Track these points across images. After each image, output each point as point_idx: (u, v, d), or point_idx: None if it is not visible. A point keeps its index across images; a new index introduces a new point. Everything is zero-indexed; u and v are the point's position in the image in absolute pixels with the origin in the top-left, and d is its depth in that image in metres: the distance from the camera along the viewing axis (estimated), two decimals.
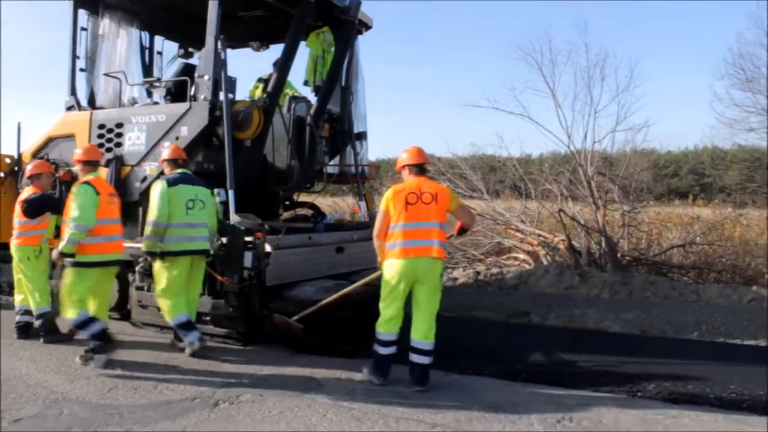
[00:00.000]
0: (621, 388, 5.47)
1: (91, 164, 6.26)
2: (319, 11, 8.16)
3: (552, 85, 13.65)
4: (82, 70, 8.55)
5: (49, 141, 8.49)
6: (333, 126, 9.13)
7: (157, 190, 6.38)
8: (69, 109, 8.52)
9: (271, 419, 4.63)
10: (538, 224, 14.03)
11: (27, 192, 6.82)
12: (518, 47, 25.05)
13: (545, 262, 12.37)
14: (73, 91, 8.52)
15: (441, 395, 5.20)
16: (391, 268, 5.40)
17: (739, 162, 18.40)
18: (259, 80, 9.13)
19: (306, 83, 8.94)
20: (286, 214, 9.35)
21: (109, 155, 7.73)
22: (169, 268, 6.32)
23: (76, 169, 6.32)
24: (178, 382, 5.43)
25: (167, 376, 5.63)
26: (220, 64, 7.17)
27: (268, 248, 6.57)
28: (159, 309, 6.53)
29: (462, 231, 5.96)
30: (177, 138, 7.27)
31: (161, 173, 6.91)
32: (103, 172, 7.62)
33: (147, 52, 9.73)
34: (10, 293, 7.96)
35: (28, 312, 6.87)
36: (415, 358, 5.38)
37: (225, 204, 6.87)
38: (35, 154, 8.49)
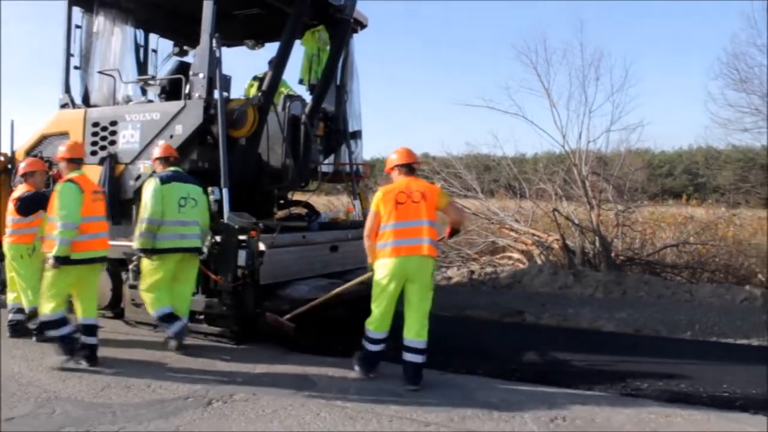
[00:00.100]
0: (614, 387, 5.49)
1: (75, 162, 6.21)
2: (314, 10, 8.15)
3: (547, 84, 13.68)
4: (76, 67, 8.52)
5: (43, 139, 8.45)
6: (328, 125, 9.13)
7: (150, 187, 6.39)
8: (63, 106, 8.48)
9: (265, 418, 4.62)
10: (532, 224, 14.04)
11: (20, 190, 6.80)
12: (513, 46, 25.12)
13: (539, 262, 12.38)
14: (67, 89, 8.48)
15: (434, 394, 5.20)
16: (382, 268, 5.44)
17: (733, 162, 18.45)
18: (254, 78, 9.12)
19: (301, 82, 8.94)
20: (280, 213, 9.34)
21: (103, 153, 7.71)
22: (158, 264, 6.35)
23: (60, 166, 6.27)
24: (171, 381, 5.42)
25: (160, 374, 5.62)
26: (215, 62, 7.15)
27: (262, 247, 6.58)
28: (140, 304, 6.55)
29: (453, 233, 6.03)
30: (171, 136, 7.25)
31: (155, 171, 6.90)
32: (98, 170, 7.63)
33: (142, 49, 9.71)
34: (3, 291, 7.93)
35: (20, 310, 6.84)
36: (408, 357, 5.40)
37: (219, 202, 6.87)
38: (29, 152, 8.44)
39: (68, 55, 8.47)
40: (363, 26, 9.39)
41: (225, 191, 6.84)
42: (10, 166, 8.65)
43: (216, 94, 7.13)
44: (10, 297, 6.96)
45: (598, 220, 12.37)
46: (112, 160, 7.64)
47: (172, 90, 7.85)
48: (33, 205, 6.68)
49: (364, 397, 5.09)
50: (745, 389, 5.50)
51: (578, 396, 5.24)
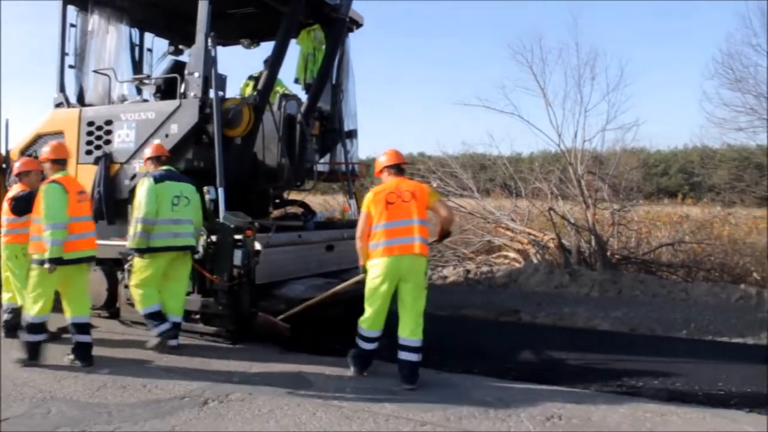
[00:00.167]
0: (610, 386, 5.50)
1: (59, 162, 6.21)
2: (310, 9, 8.16)
3: (542, 83, 13.68)
4: (71, 66, 8.51)
5: (38, 138, 8.42)
6: (323, 124, 9.12)
7: (144, 187, 6.41)
8: (58, 106, 8.46)
9: (261, 418, 4.62)
10: (528, 223, 14.05)
11: (15, 189, 6.77)
12: (509, 46, 25.15)
13: (535, 261, 12.39)
14: (62, 88, 8.47)
15: (430, 393, 5.20)
16: (375, 268, 5.49)
17: (728, 161, 18.50)
18: (250, 78, 9.10)
19: (296, 81, 8.94)
20: (276, 212, 9.33)
21: (99, 153, 7.70)
22: (150, 262, 6.37)
23: (45, 167, 6.26)
24: (167, 381, 5.41)
25: (156, 374, 5.61)
26: (210, 61, 7.14)
27: (257, 246, 6.57)
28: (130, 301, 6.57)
29: (444, 235, 6.08)
30: (167, 135, 7.24)
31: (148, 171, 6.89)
32: (93, 170, 7.62)
33: (137, 49, 9.70)
34: None
35: (15, 311, 6.82)
36: (403, 355, 5.42)
37: (215, 202, 6.86)
38: (23, 152, 8.42)
39: (63, 54, 8.46)
40: (359, 25, 9.39)
41: (220, 190, 6.84)
42: (4, 165, 8.62)
43: (211, 94, 7.11)
44: (5, 297, 6.94)
45: (593, 219, 12.38)
46: (107, 160, 7.62)
47: (167, 89, 7.84)
48: (28, 204, 6.64)
49: (361, 397, 5.08)
50: (741, 387, 5.51)
51: (574, 395, 5.24)
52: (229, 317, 6.66)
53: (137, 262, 6.42)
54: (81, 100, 8.41)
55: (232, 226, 6.54)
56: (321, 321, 6.92)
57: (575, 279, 10.85)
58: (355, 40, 9.50)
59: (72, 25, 8.48)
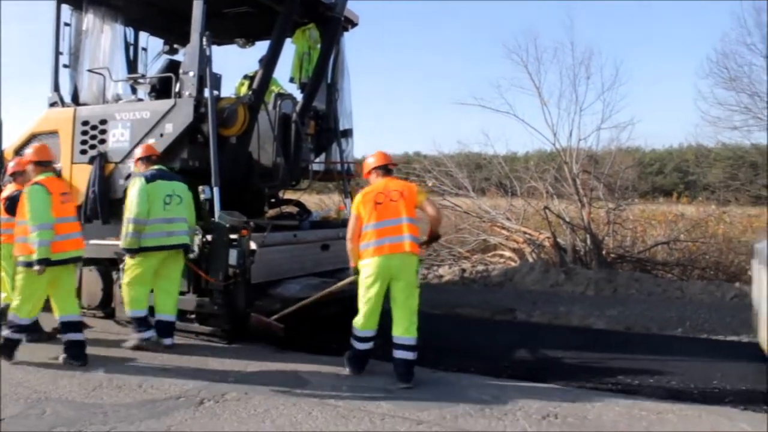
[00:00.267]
0: (606, 384, 5.51)
1: (42, 164, 6.19)
2: (305, 8, 8.14)
3: (538, 82, 13.71)
4: (65, 66, 8.47)
5: (32, 137, 8.39)
6: (319, 123, 9.11)
7: (136, 187, 6.42)
8: (52, 105, 8.44)
9: (257, 417, 4.61)
10: (523, 222, 14.06)
11: (9, 189, 6.75)
12: (504, 45, 25.16)
13: (530, 260, 12.40)
14: (56, 88, 8.44)
15: (426, 392, 5.20)
16: (366, 267, 5.52)
17: (723, 160, 18.54)
18: (245, 77, 9.10)
19: (292, 80, 8.92)
20: (271, 212, 9.31)
21: (93, 152, 7.68)
22: (142, 262, 6.39)
23: (28, 169, 6.24)
24: (162, 381, 5.40)
25: (152, 374, 5.60)
26: (205, 60, 7.13)
27: (253, 246, 6.57)
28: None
29: (432, 238, 6.12)
30: (162, 135, 7.23)
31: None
32: (88, 169, 7.60)
33: (131, 48, 9.68)
34: None
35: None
36: (398, 354, 5.44)
37: (210, 201, 6.85)
38: (18, 151, 8.39)
39: (57, 53, 8.42)
40: (354, 24, 9.38)
41: (216, 190, 6.83)
42: None
43: (206, 93, 7.11)
44: (1, 297, 6.91)
45: (589, 218, 12.40)
46: (102, 159, 7.60)
47: (162, 88, 7.82)
48: None
49: (357, 396, 5.08)
50: (736, 385, 5.53)
51: (570, 393, 5.25)
52: (225, 317, 6.66)
53: (128, 261, 6.45)
54: (75, 100, 8.39)
55: (227, 225, 6.54)
56: (316, 320, 6.92)
57: (570, 278, 10.87)
58: (350, 39, 9.49)
59: (66, 24, 8.45)
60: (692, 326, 8.04)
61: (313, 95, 8.64)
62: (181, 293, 6.79)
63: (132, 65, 9.59)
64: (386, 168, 5.88)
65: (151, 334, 6.46)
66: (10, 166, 6.90)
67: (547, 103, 13.47)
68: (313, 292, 6.49)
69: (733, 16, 30.32)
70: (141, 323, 6.46)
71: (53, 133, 8.12)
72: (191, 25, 7.20)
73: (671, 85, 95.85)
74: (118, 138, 7.59)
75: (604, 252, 12.14)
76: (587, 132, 13.44)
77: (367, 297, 5.54)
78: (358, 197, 5.77)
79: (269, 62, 7.75)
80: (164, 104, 7.35)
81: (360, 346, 5.64)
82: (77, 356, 5.89)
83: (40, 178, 6.04)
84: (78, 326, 6.04)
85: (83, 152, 7.80)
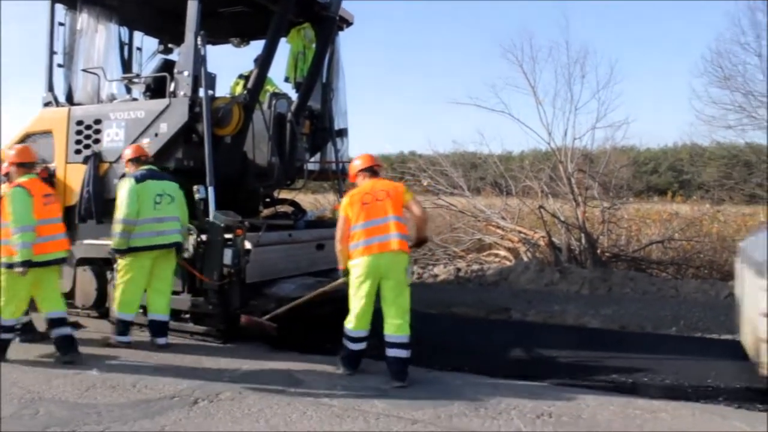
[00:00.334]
0: (600, 384, 5.52)
1: (24, 166, 6.17)
2: (300, 7, 8.14)
3: (533, 82, 13.73)
4: (60, 65, 8.45)
5: (27, 137, 8.37)
6: (314, 123, 9.10)
7: (125, 188, 6.44)
8: (46, 105, 8.41)
9: (251, 417, 4.61)
10: (518, 221, 14.08)
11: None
12: (499, 44, 25.16)
13: (525, 259, 12.42)
14: (50, 87, 8.42)
15: (421, 391, 5.21)
16: (356, 267, 5.56)
17: (717, 159, 18.59)
18: (240, 76, 9.08)
19: (287, 80, 8.92)
20: (266, 211, 9.31)
21: (88, 152, 7.66)
22: (133, 262, 6.41)
23: (11, 171, 6.22)
24: (156, 381, 5.39)
25: (146, 374, 5.58)
26: (199, 60, 7.12)
27: (248, 245, 6.57)
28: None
29: (420, 242, 6.13)
30: (156, 134, 7.22)
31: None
32: (82, 169, 7.58)
33: (126, 47, 9.65)
34: None
35: None
36: (391, 352, 5.45)
37: (205, 201, 6.84)
38: None
39: (51, 52, 8.40)
40: (349, 24, 9.38)
41: (210, 189, 6.82)
42: None
43: (201, 92, 7.09)
44: None
45: (583, 217, 12.42)
46: (96, 159, 7.59)
47: (156, 88, 7.82)
48: None
49: (351, 395, 5.09)
50: (730, 383, 5.55)
51: (564, 392, 5.25)
52: (219, 316, 6.65)
53: (121, 261, 6.45)
54: (70, 99, 8.36)
55: (222, 225, 6.53)
56: (311, 320, 6.91)
57: (565, 277, 10.88)
58: (345, 39, 9.49)
59: (60, 24, 8.43)
60: (686, 325, 8.06)
61: (308, 95, 8.64)
62: (176, 293, 6.79)
63: (127, 65, 9.58)
64: (372, 169, 5.94)
65: (129, 340, 6.49)
66: (4, 166, 6.88)
67: (542, 102, 13.50)
68: (308, 291, 6.48)
69: (727, 15, 30.36)
70: (125, 327, 6.50)
71: (48, 133, 8.11)
72: (186, 25, 7.19)
73: (666, 84, 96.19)
74: (112, 138, 7.58)
75: (598, 251, 12.16)
76: (582, 131, 13.49)
77: (358, 297, 5.56)
78: (345, 199, 5.83)
79: (264, 62, 7.74)
80: (159, 104, 7.34)
81: (353, 346, 5.64)
82: (68, 350, 5.92)
83: (22, 179, 6.03)
84: (65, 321, 6.06)
85: (78, 152, 7.78)
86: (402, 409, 4.76)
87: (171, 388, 5.19)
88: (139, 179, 6.49)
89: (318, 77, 8.83)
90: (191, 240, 6.70)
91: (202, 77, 7.08)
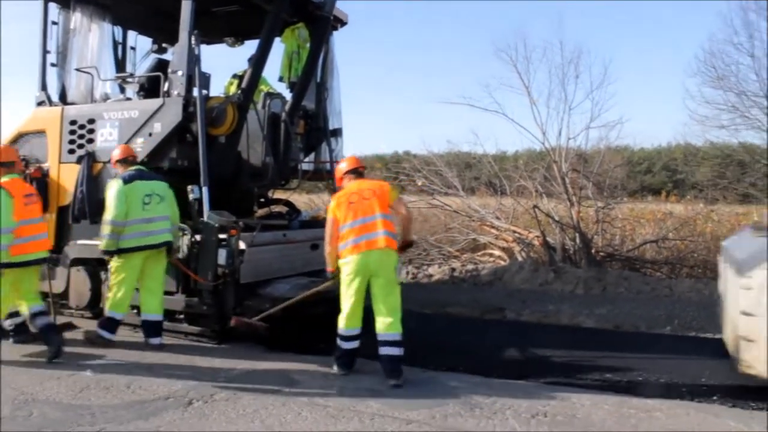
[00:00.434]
0: (595, 383, 5.54)
1: (5, 165, 6.16)
2: (294, 7, 8.13)
3: (527, 82, 13.74)
4: (53, 65, 8.42)
5: (20, 137, 8.34)
6: (308, 122, 9.10)
7: (114, 189, 6.43)
8: (39, 104, 8.38)
9: (246, 417, 4.60)
10: (513, 221, 14.08)
11: None
12: (493, 44, 25.19)
13: (520, 259, 12.42)
14: (43, 87, 8.39)
15: (416, 391, 5.21)
16: (346, 266, 5.60)
17: (711, 159, 18.61)
18: (234, 76, 9.07)
19: (281, 79, 8.91)
20: (260, 211, 9.29)
21: (81, 152, 7.64)
22: (125, 263, 6.41)
23: None
24: (151, 381, 5.37)
25: (140, 375, 5.57)
26: (194, 59, 7.11)
27: (242, 245, 6.56)
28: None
29: (406, 245, 6.18)
30: (150, 134, 7.20)
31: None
32: (76, 169, 7.55)
33: (120, 47, 9.63)
34: None
35: (12, 315, 6.75)
36: (384, 350, 5.47)
37: (199, 201, 6.83)
38: None
39: (44, 51, 8.37)
40: (343, 23, 9.38)
41: (204, 189, 6.80)
42: None
43: (195, 92, 7.09)
44: None
45: (578, 217, 12.44)
46: (89, 159, 7.56)
47: (150, 88, 7.79)
48: None
49: (346, 395, 5.08)
50: (724, 382, 5.56)
51: (559, 392, 5.26)
52: (214, 317, 6.64)
53: (113, 263, 6.45)
54: (63, 99, 8.33)
55: (216, 225, 6.52)
56: (305, 320, 6.90)
57: (560, 276, 10.90)
58: (340, 38, 9.48)
59: (54, 23, 8.39)
60: (681, 324, 8.08)
61: (302, 94, 8.64)
62: (170, 293, 6.77)
63: (120, 64, 9.55)
64: (357, 171, 6.00)
65: (111, 338, 6.47)
66: None
67: (536, 102, 13.53)
68: (302, 291, 6.48)
69: (720, 15, 30.45)
70: (112, 326, 6.48)
71: (41, 133, 8.08)
72: (180, 24, 7.17)
73: (660, 84, 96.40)
74: (106, 137, 7.55)
75: (593, 251, 12.18)
76: (576, 131, 13.50)
77: (348, 295, 5.59)
78: (332, 201, 5.88)
79: (258, 61, 7.73)
80: (153, 103, 7.31)
81: (346, 345, 5.66)
82: (52, 341, 5.95)
83: (3, 180, 6.00)
84: (45, 313, 6.12)
85: (71, 152, 7.75)
86: (397, 409, 4.76)
87: (165, 389, 5.17)
88: (127, 180, 6.48)
89: (312, 77, 8.83)
90: (185, 240, 6.69)
91: (196, 77, 7.07)
